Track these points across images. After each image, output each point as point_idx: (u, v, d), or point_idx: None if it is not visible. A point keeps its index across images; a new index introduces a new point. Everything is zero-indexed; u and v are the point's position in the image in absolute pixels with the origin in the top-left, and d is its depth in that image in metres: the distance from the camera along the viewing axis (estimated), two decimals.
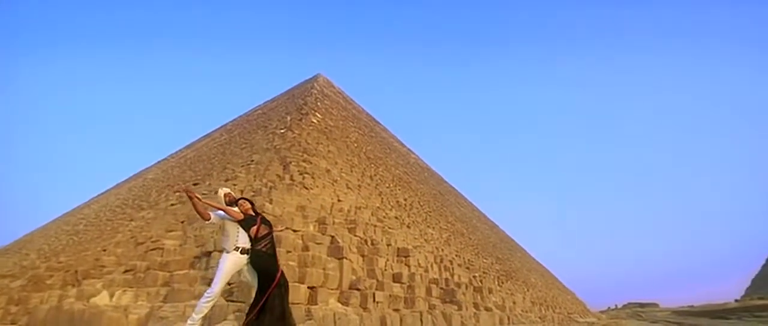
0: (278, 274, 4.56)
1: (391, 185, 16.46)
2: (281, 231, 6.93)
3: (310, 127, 13.79)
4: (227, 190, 5.09)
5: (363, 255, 8.46)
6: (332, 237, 8.06)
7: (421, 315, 7.60)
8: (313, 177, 10.33)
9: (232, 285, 5.68)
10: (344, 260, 7.46)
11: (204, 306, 4.44)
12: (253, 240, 4.58)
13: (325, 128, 15.06)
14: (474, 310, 9.89)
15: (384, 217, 11.65)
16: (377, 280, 7.81)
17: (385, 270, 8.49)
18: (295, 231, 7.66)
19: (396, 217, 12.92)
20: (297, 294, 5.91)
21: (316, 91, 19.11)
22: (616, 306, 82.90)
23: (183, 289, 6.43)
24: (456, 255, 14.49)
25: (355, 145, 16.92)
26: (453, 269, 11.73)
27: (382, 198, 13.77)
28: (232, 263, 4.51)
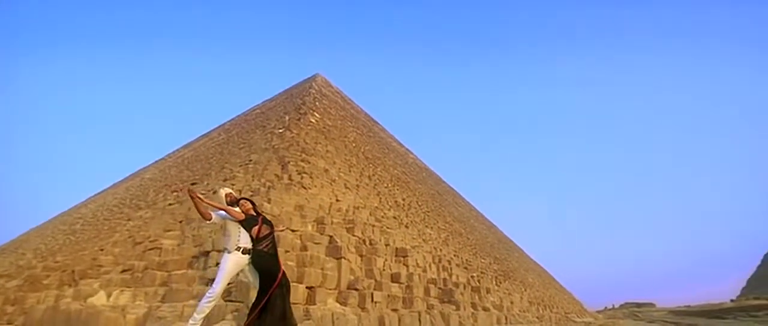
0: (280, 274, 4.56)
1: (390, 185, 16.46)
2: (282, 231, 6.93)
3: (309, 127, 13.78)
4: (228, 190, 5.09)
5: (361, 255, 8.46)
6: (330, 237, 8.06)
7: (420, 315, 7.61)
8: (311, 177, 10.32)
9: (230, 285, 5.67)
10: (342, 260, 7.45)
11: (206, 306, 4.43)
12: (255, 240, 4.58)
13: (324, 128, 15.06)
14: (472, 310, 9.91)
15: (382, 217, 11.66)
16: (375, 280, 7.81)
17: (384, 270, 8.49)
18: (293, 230, 7.66)
19: (394, 217, 12.93)
20: (295, 294, 5.90)
21: (314, 91, 19.10)
22: (613, 306, 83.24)
23: (181, 289, 6.41)
24: (454, 255, 14.51)
25: (354, 144, 16.92)
26: (451, 269, 11.75)
27: (381, 198, 13.77)
28: (233, 263, 4.51)
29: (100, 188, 30.18)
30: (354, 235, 8.82)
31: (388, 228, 10.79)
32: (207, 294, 4.46)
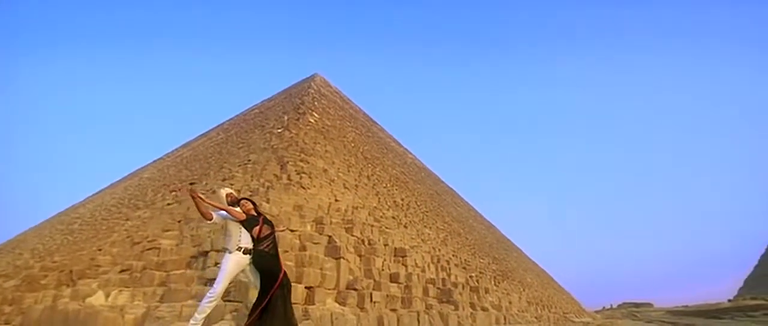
0: (281, 275, 4.56)
1: (388, 185, 16.47)
2: (282, 231, 6.93)
3: (308, 127, 13.78)
4: (229, 190, 5.09)
5: (360, 255, 8.47)
6: (329, 237, 8.06)
7: (418, 315, 7.61)
8: (310, 177, 10.32)
9: (229, 285, 5.66)
10: (341, 260, 7.46)
11: (207, 306, 4.43)
12: (256, 240, 4.58)
13: (323, 128, 15.06)
14: (471, 310, 9.92)
15: (381, 217, 11.66)
16: (374, 280, 7.82)
17: (382, 270, 8.50)
18: (292, 230, 7.66)
19: (393, 217, 12.94)
20: (294, 294, 5.89)
21: (313, 91, 19.10)
22: (611, 306, 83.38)
23: (180, 289, 6.40)
24: (453, 255, 14.53)
25: (353, 144, 16.93)
26: (450, 269, 11.76)
27: (379, 198, 13.78)
28: (234, 263, 4.51)
29: (98, 188, 30.12)
30: (353, 235, 8.83)
31: (386, 228, 10.79)
32: (208, 294, 4.46)
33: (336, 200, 10.37)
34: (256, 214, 4.80)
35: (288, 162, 10.46)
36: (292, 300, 5.70)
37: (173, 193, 12.95)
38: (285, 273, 4.72)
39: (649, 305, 78.23)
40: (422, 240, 13.09)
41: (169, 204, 11.79)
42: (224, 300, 5.55)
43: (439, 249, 13.71)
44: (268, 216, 5.35)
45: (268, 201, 8.04)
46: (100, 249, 9.79)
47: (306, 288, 6.40)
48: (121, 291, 7.07)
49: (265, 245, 4.60)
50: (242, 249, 4.54)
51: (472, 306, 10.33)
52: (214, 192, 9.55)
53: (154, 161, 26.66)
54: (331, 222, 8.64)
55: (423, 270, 10.10)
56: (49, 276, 8.97)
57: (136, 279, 7.21)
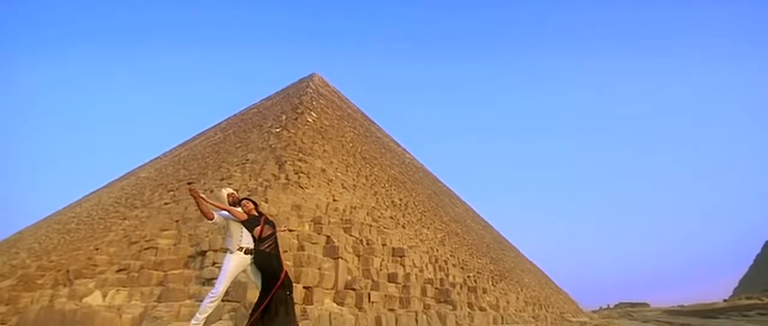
0: (282, 275, 4.55)
1: (387, 185, 16.47)
2: (283, 231, 6.92)
3: (306, 127, 13.76)
4: (231, 190, 5.08)
5: (358, 255, 8.47)
6: (328, 236, 8.06)
7: (417, 315, 7.62)
8: (308, 177, 10.31)
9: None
10: (339, 260, 7.46)
11: (208, 306, 4.42)
12: (257, 240, 4.57)
13: (321, 127, 15.04)
14: (468, 310, 9.94)
15: (379, 217, 11.67)
16: (372, 280, 7.82)
17: (381, 270, 8.51)
18: (290, 230, 7.65)
19: (391, 217, 12.94)
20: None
21: (311, 90, 19.07)
22: (607, 305, 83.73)
23: (177, 289, 6.39)
24: (451, 255, 14.55)
25: (351, 144, 16.92)
26: (448, 269, 11.78)
27: (378, 198, 13.78)
28: (236, 263, 4.50)
29: (95, 187, 29.97)
30: (351, 235, 8.83)
31: (385, 228, 10.80)
32: (210, 294, 4.45)
33: (334, 200, 10.37)
34: (257, 214, 4.80)
35: (286, 161, 10.45)
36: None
37: (171, 193, 12.91)
38: (287, 273, 4.73)
39: (646, 305, 78.57)
40: (420, 240, 13.10)
41: (166, 203, 11.75)
42: (223, 300, 5.55)
43: (437, 250, 13.73)
44: (269, 217, 5.35)
45: (266, 201, 8.03)
46: (97, 249, 9.75)
47: (304, 287, 6.41)
48: (118, 290, 7.05)
49: (266, 245, 4.59)
50: (244, 250, 4.54)
51: (470, 306, 10.35)
52: (211, 191, 9.54)
53: (152, 160, 26.55)
54: (329, 222, 8.64)
55: (421, 270, 10.12)
56: (45, 275, 8.93)
57: (133, 278, 7.19)
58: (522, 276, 24.97)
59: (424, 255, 11.39)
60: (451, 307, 8.97)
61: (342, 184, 11.97)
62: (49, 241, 15.84)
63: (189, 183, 12.71)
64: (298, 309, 5.77)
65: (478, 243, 22.27)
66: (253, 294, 5.53)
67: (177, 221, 9.39)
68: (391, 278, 8.44)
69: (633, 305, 78.48)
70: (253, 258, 4.60)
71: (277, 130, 13.57)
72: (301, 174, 10.13)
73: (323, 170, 11.57)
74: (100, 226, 13.51)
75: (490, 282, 15.39)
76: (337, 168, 12.81)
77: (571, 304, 36.50)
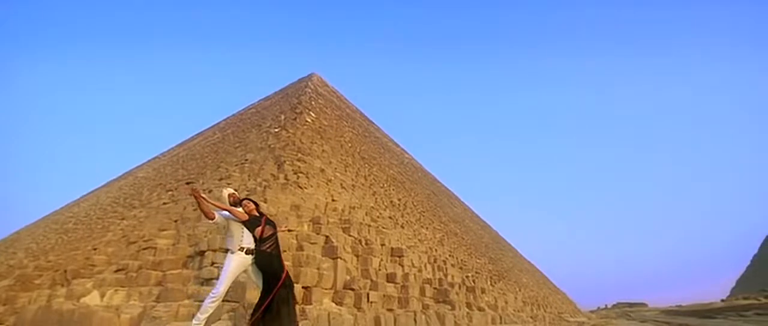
0: (284, 275, 4.55)
1: (385, 185, 16.48)
2: (284, 231, 6.91)
3: (305, 126, 13.75)
4: (232, 191, 5.07)
5: (357, 255, 8.47)
6: (326, 236, 8.06)
7: (415, 315, 7.63)
8: (307, 177, 10.31)
9: None
10: (338, 260, 7.46)
11: (209, 306, 4.42)
12: (258, 240, 4.57)
13: (320, 127, 15.03)
14: (467, 310, 9.95)
15: (378, 217, 11.67)
16: (371, 280, 7.83)
17: (379, 270, 8.51)
18: (289, 230, 7.65)
19: (390, 217, 12.95)
20: None
21: (310, 90, 19.06)
22: (605, 306, 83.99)
23: (176, 289, 6.38)
24: (449, 256, 14.57)
25: (350, 144, 16.92)
26: (446, 269, 11.80)
27: (376, 198, 13.78)
28: (237, 263, 4.50)
29: (93, 186, 29.89)
30: (350, 235, 8.83)
31: (383, 228, 10.80)
32: (211, 294, 4.44)
33: (333, 200, 10.37)
34: (258, 215, 4.80)
35: (285, 161, 10.44)
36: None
37: (169, 193, 12.88)
38: (288, 273, 4.72)
39: (643, 305, 78.81)
40: (419, 240, 13.11)
41: (165, 203, 11.72)
42: (221, 300, 5.54)
43: (436, 250, 13.74)
44: (269, 217, 5.34)
45: (265, 201, 8.03)
46: (95, 249, 9.72)
47: (303, 287, 6.41)
48: (116, 290, 7.03)
49: (267, 245, 4.59)
50: (245, 250, 4.53)
51: (469, 306, 10.37)
52: (210, 192, 9.52)
53: (150, 160, 26.49)
54: (328, 222, 8.64)
55: (420, 270, 10.13)
56: (43, 275, 8.90)
57: (131, 278, 7.17)
58: (520, 276, 25.01)
59: (423, 255, 11.40)
60: (449, 307, 8.99)
61: (341, 184, 11.97)
62: (46, 241, 15.79)
63: (188, 183, 12.68)
64: (296, 308, 5.77)
65: (476, 243, 22.30)
66: (252, 294, 5.53)
67: (175, 221, 9.37)
68: (390, 278, 8.45)
69: (631, 305, 78.72)
70: (255, 258, 4.60)
71: (276, 129, 13.56)
72: (300, 174, 10.13)
73: (322, 170, 11.56)
74: (98, 226, 13.47)
75: (489, 282, 15.42)
76: (335, 169, 12.81)
77: (569, 304, 36.58)
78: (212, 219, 4.61)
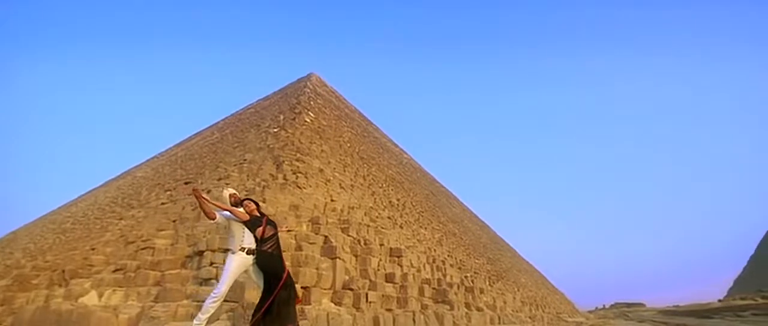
0: (284, 275, 4.55)
1: (384, 185, 16.49)
2: (285, 231, 6.91)
3: (303, 126, 13.75)
4: (232, 191, 5.07)
5: (356, 255, 8.47)
6: (325, 236, 8.05)
7: (414, 315, 7.64)
8: (306, 177, 10.30)
9: None
10: (337, 260, 7.46)
11: (210, 306, 4.42)
12: (259, 241, 4.57)
13: (319, 127, 15.03)
14: (466, 310, 9.97)
15: (377, 217, 11.67)
16: (370, 280, 7.83)
17: (378, 270, 8.51)
18: (289, 230, 7.64)
19: (389, 217, 12.95)
20: None
21: (309, 90, 19.05)
22: (603, 306, 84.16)
23: (175, 289, 6.37)
24: (448, 256, 14.58)
25: (348, 144, 16.92)
26: (445, 269, 11.81)
27: (375, 198, 13.79)
28: (238, 264, 4.49)
29: (91, 186, 29.79)
30: (349, 235, 8.83)
31: (382, 228, 10.81)
32: (212, 295, 4.44)
33: (332, 200, 10.36)
34: (259, 215, 4.80)
35: (284, 161, 10.44)
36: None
37: (168, 193, 12.85)
38: (289, 273, 4.72)
39: (641, 305, 79.00)
40: (418, 240, 13.12)
41: (163, 203, 11.70)
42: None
43: (435, 250, 13.76)
44: (270, 217, 5.34)
45: (264, 201, 8.02)
46: (93, 249, 9.70)
47: (302, 287, 6.40)
48: (114, 290, 7.01)
49: (268, 246, 4.59)
50: (245, 250, 4.53)
51: (467, 306, 10.38)
52: (209, 192, 9.50)
53: (148, 160, 26.43)
54: (327, 222, 8.64)
55: (418, 271, 10.14)
56: (40, 275, 8.87)
57: (130, 278, 7.15)
58: (519, 276, 25.05)
59: (422, 256, 11.41)
60: (448, 307, 9.00)
61: (340, 184, 11.97)
62: (44, 241, 15.73)
63: (186, 183, 12.66)
64: (298, 308, 5.77)
65: (475, 243, 22.33)
66: (251, 294, 5.53)
67: (174, 221, 9.35)
68: (389, 278, 8.45)
69: (629, 305, 78.90)
70: (256, 258, 4.59)
71: (275, 129, 13.55)
72: (299, 174, 10.12)
73: (321, 170, 11.56)
74: (96, 226, 13.43)
75: (487, 283, 15.44)
76: (334, 169, 12.81)
77: (567, 304, 36.65)
78: (213, 220, 4.61)
